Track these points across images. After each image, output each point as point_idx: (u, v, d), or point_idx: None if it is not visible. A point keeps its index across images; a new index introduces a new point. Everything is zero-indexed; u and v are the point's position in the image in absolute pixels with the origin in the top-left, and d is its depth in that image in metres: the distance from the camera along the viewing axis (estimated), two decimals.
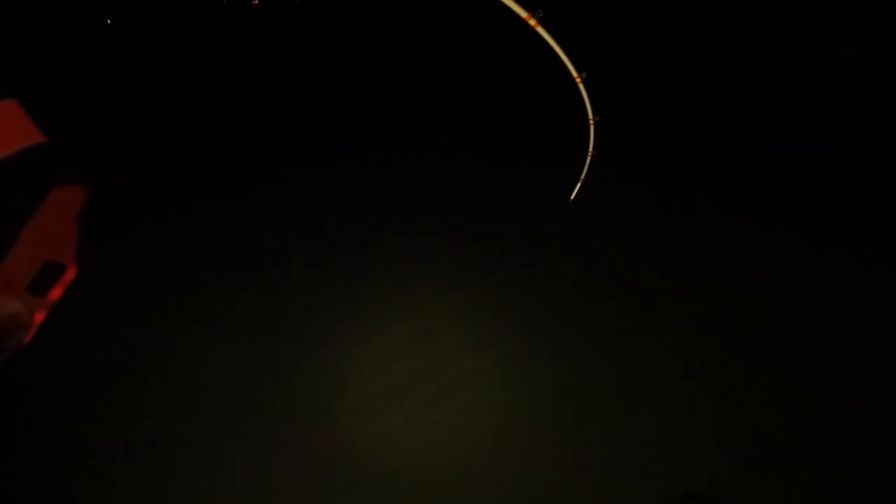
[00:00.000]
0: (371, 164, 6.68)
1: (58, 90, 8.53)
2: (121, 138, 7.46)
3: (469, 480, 3.05)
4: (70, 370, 3.87)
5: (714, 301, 4.31)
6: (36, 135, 2.37)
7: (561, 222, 5.28)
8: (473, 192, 5.98)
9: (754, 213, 5.39)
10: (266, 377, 3.79)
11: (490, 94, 8.70)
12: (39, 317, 2.67)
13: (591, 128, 4.27)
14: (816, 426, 3.23)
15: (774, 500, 2.85)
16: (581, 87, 3.91)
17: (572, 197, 4.34)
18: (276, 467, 3.20)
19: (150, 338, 4.13)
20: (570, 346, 3.94)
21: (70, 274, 2.60)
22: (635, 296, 4.36)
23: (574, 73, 3.71)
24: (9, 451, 3.37)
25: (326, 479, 3.11)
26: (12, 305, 2.37)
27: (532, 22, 3.03)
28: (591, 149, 4.39)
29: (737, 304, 4.26)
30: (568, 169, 5.66)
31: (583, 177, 4.39)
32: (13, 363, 3.81)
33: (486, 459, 3.18)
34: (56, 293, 2.61)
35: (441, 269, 4.77)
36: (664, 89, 8.60)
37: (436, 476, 3.08)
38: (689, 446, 3.14)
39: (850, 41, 9.05)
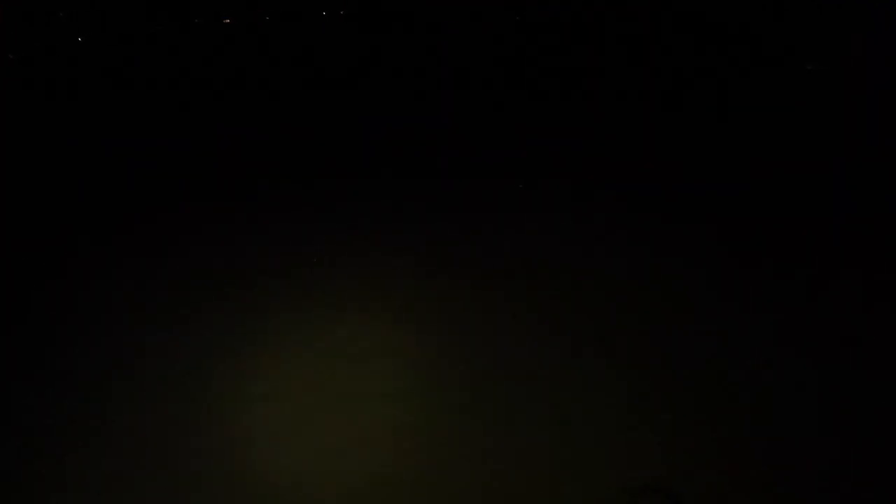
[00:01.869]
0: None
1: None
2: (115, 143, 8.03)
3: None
4: (55, 368, 3.88)
5: (652, 302, 4.31)
6: None
7: (500, 233, 5.38)
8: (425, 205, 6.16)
9: (692, 216, 5.61)
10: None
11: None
12: None
13: None
14: (764, 426, 3.25)
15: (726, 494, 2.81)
16: None
17: None
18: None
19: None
20: (497, 350, 3.85)
21: None
22: (567, 299, 4.38)
23: None
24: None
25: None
26: None
27: None
28: None
29: (675, 306, 4.28)
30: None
31: None
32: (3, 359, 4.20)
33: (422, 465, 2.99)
34: None
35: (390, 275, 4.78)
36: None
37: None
38: (633, 446, 3.09)
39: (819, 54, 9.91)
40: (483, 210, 5.81)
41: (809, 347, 3.91)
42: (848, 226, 5.37)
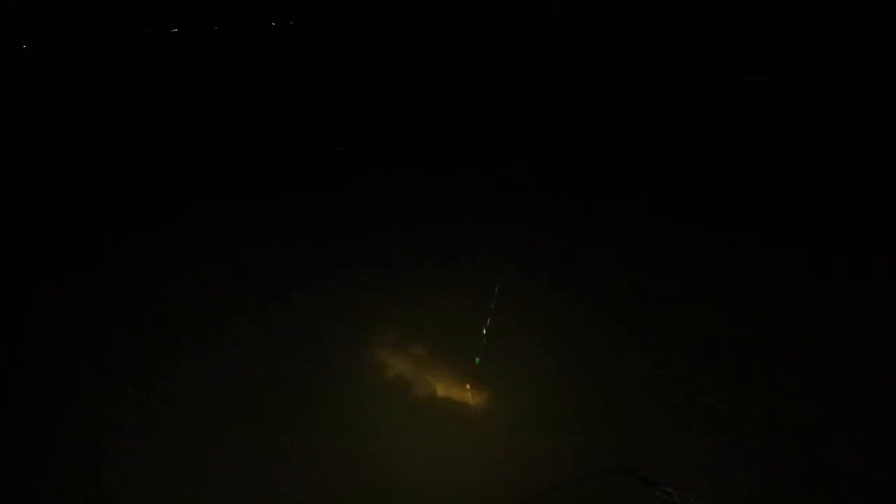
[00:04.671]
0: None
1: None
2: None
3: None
4: (65, 376, 3.88)
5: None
6: None
7: (556, 236, 5.44)
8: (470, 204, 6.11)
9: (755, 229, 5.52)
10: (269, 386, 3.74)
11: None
12: None
13: None
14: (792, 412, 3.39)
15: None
16: None
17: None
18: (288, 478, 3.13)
19: (146, 346, 4.15)
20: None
21: None
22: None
23: None
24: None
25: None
26: None
27: None
28: None
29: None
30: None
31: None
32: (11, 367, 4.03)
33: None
34: None
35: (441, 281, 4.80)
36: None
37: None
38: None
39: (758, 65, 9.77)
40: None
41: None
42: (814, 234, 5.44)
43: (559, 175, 6.79)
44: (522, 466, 3.07)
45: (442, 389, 3.59)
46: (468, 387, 3.49)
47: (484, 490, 2.94)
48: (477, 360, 3.73)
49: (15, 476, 3.20)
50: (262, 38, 13.73)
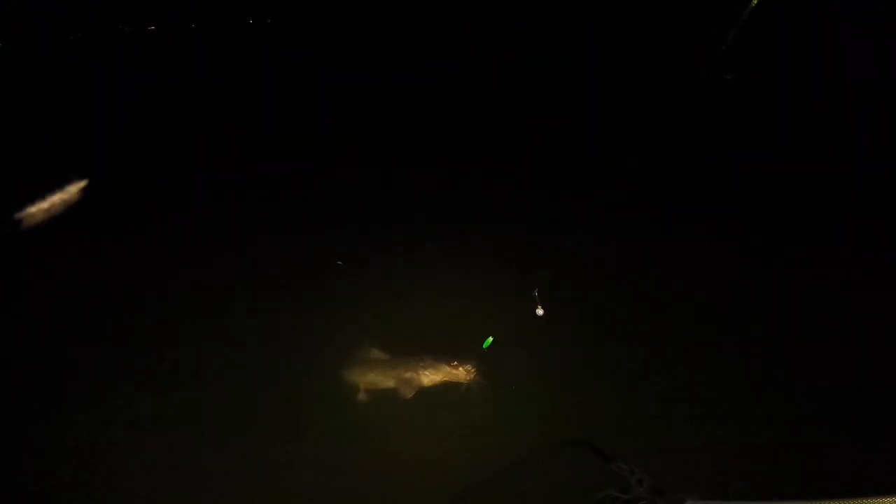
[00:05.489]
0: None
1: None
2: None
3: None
4: (64, 376, 3.87)
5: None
6: None
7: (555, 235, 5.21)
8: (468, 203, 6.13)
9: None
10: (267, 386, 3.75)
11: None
12: None
13: None
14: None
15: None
16: None
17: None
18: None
19: (147, 340, 4.16)
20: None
21: None
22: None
23: None
24: None
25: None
26: None
27: None
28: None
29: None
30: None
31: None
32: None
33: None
34: None
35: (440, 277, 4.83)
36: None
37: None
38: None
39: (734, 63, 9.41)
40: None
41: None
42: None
43: (559, 175, 6.79)
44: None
45: (443, 386, 3.60)
46: (465, 385, 3.50)
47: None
48: (489, 339, 3.64)
49: (12, 476, 3.21)
50: (261, 38, 13.75)
